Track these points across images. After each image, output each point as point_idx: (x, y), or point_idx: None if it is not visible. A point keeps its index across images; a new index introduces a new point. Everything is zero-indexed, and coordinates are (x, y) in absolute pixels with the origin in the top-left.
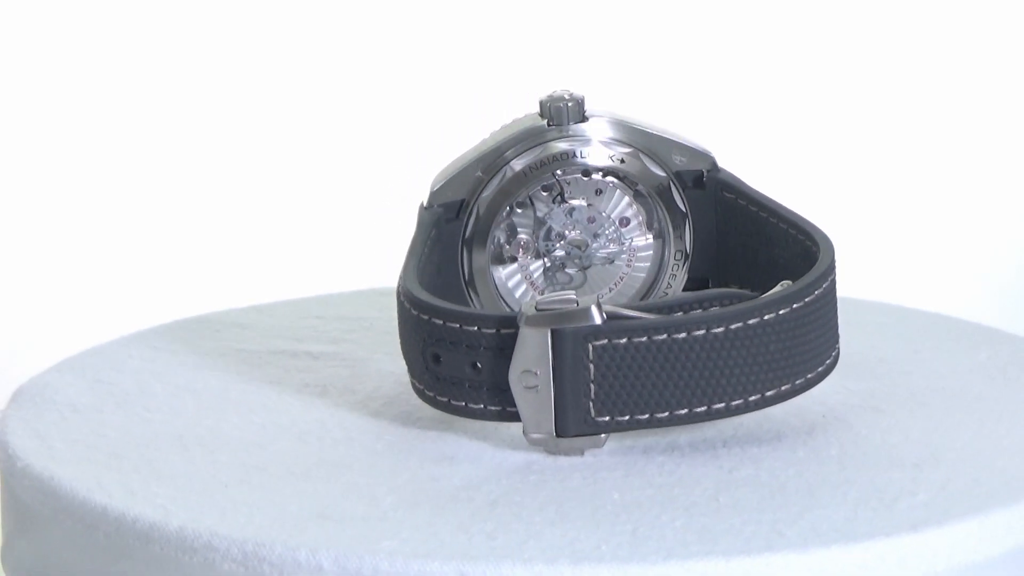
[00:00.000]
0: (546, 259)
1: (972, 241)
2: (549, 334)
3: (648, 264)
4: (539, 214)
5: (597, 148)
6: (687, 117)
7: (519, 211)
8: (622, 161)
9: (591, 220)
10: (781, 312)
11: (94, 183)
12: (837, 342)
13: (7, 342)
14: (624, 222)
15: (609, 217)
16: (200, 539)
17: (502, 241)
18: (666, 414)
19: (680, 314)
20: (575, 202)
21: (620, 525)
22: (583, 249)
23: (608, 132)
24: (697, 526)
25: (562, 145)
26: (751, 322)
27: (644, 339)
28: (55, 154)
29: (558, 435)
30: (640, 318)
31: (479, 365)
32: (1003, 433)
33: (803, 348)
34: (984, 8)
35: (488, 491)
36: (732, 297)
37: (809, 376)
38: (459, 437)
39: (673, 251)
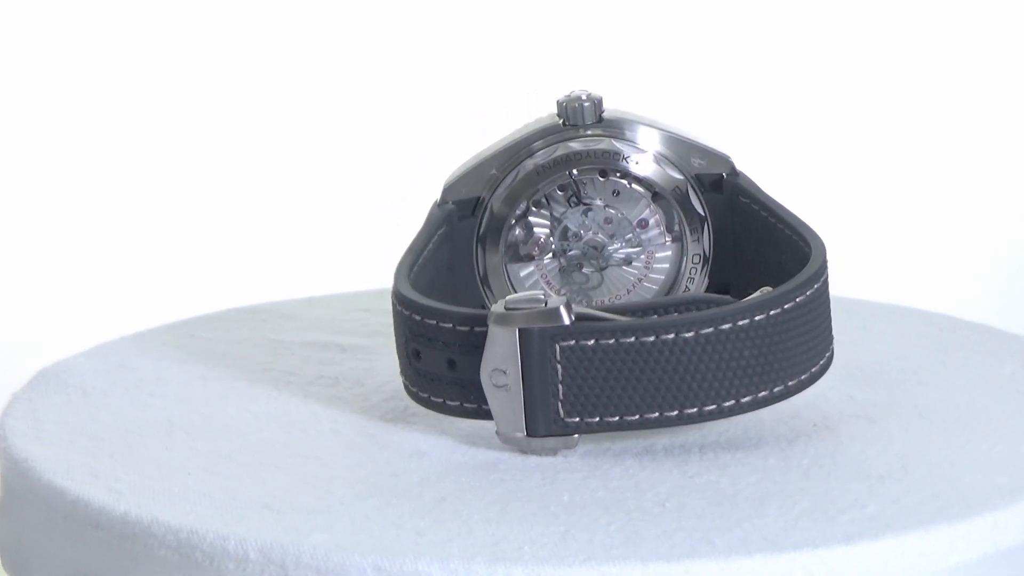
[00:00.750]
0: (562, 259)
1: (975, 241)
2: (517, 333)
3: (667, 267)
4: (556, 213)
5: (612, 149)
6: (701, 118)
7: (536, 210)
8: (637, 163)
9: (608, 221)
10: (756, 318)
11: (132, 176)
12: (828, 348)
13: (52, 326)
14: (642, 224)
15: (626, 218)
16: (140, 525)
17: (520, 240)
18: (636, 417)
19: (655, 317)
20: (591, 203)
21: (554, 527)
22: (599, 250)
23: (625, 133)
24: (629, 530)
25: (575, 145)
26: (723, 327)
27: (612, 341)
28: (100, 147)
29: (528, 435)
30: (609, 320)
31: (455, 362)
32: (986, 448)
33: (783, 355)
34: (984, 8)
35: (441, 488)
36: (709, 302)
37: (790, 383)
38: (439, 434)
39: (691, 255)
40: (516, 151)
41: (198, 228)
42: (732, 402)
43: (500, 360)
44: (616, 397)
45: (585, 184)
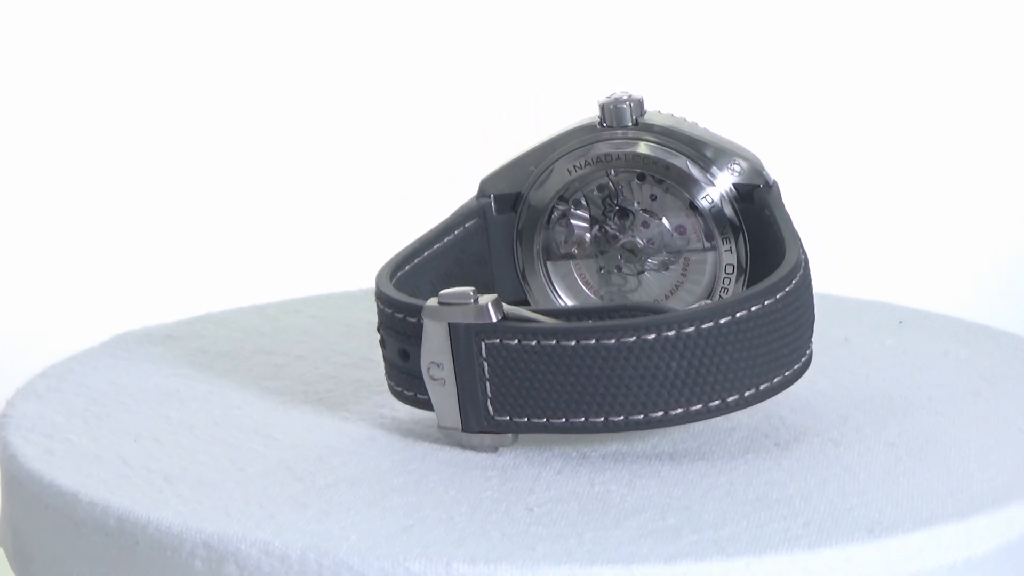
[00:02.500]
0: (600, 260)
1: (975, 241)
2: (447, 328)
3: (703, 275)
4: (594, 214)
5: (643, 152)
6: (701, 117)
7: (575, 210)
8: (667, 168)
9: (644, 225)
10: (686, 330)
11: (132, 176)
12: (789, 365)
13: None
14: (680, 230)
15: (663, 224)
16: (139, 524)
17: (559, 238)
18: (563, 420)
19: (589, 322)
20: (629, 206)
21: (403, 520)
22: (636, 254)
23: (658, 137)
24: (479, 530)
25: (606, 147)
26: (648, 337)
27: (534, 343)
28: (65, 155)
29: (463, 429)
30: (535, 321)
31: (407, 352)
32: (916, 480)
33: (723, 369)
34: (984, 8)
35: (342, 476)
36: (645, 310)
37: (730, 399)
38: (407, 425)
39: (723, 264)
40: (551, 149)
41: (199, 228)
42: (661, 413)
43: (435, 354)
44: (542, 399)
45: (622, 187)
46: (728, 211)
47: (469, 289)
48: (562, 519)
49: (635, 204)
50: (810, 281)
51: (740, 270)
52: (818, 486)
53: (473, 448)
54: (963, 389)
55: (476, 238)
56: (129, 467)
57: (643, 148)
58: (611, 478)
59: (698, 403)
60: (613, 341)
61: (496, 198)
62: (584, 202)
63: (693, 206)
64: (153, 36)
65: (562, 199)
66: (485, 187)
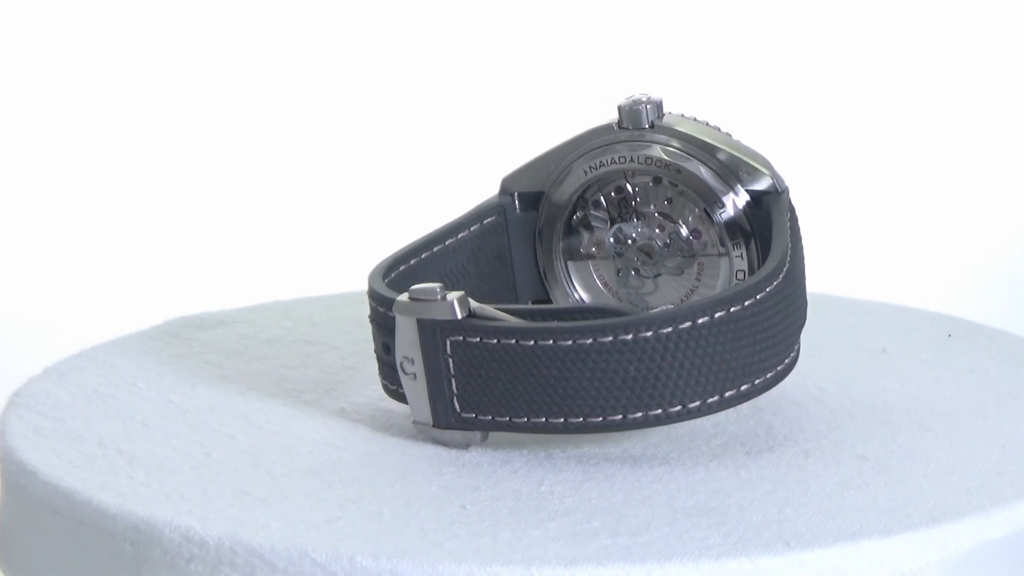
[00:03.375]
0: (618, 262)
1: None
2: (416, 323)
3: (717, 280)
4: (612, 215)
5: (656, 155)
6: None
7: (594, 211)
8: (679, 171)
9: (661, 228)
10: (643, 335)
11: (131, 177)
12: (756, 377)
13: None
14: (696, 234)
15: (678, 227)
16: (137, 523)
17: (580, 239)
18: (525, 420)
19: (553, 323)
20: (645, 209)
21: (334, 511)
22: (651, 256)
23: (673, 140)
24: (401, 526)
25: (620, 149)
26: (604, 340)
27: (495, 341)
28: (62, 154)
29: (434, 425)
30: (498, 320)
31: (388, 346)
32: (865, 494)
33: (677, 377)
34: (984, 8)
35: (300, 466)
36: (605, 312)
37: (692, 405)
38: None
39: (735, 269)
40: (571, 149)
41: (199, 228)
42: (619, 416)
43: (407, 348)
44: (504, 398)
45: (638, 189)
46: (740, 217)
47: (437, 285)
48: (489, 518)
49: (651, 207)
50: (794, 291)
51: (751, 276)
52: (762, 496)
53: (445, 444)
54: (970, 407)
55: (496, 235)
56: (102, 447)
57: (657, 151)
58: (562, 479)
59: (658, 408)
60: (570, 343)
61: (518, 196)
62: (603, 203)
63: (706, 211)
64: (160, 39)
65: (582, 200)
66: (507, 185)
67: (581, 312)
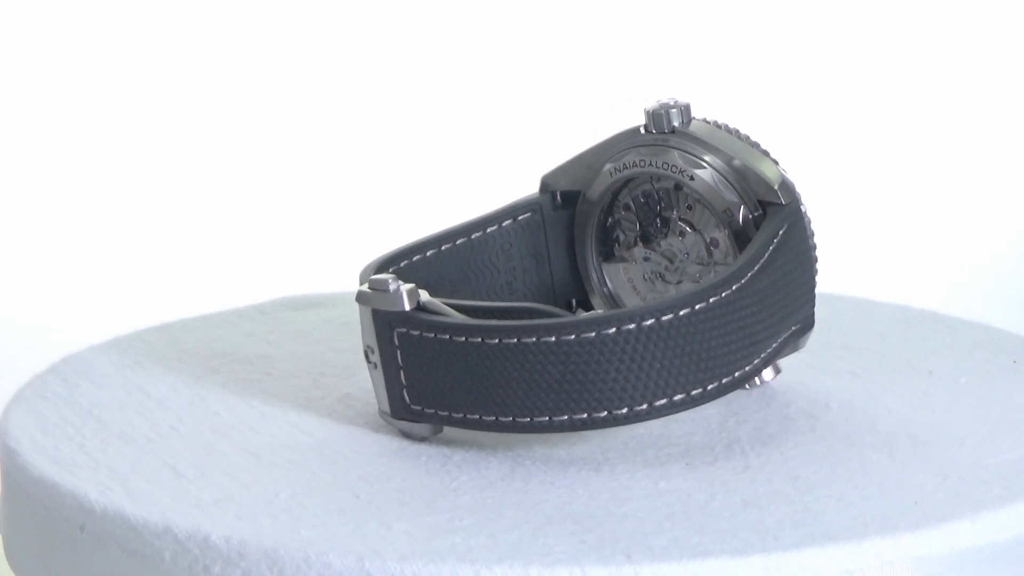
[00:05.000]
0: (646, 266)
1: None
2: (371, 313)
3: None
4: (639, 218)
5: (673, 160)
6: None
7: (625, 214)
8: (692, 178)
9: (682, 235)
10: (564, 338)
11: (131, 178)
12: (693, 388)
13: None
14: (714, 243)
15: (698, 235)
16: (134, 524)
17: (612, 240)
18: (462, 416)
19: (490, 321)
20: (668, 214)
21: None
22: (672, 262)
23: (690, 146)
24: (283, 509)
25: (642, 152)
26: (527, 340)
27: (432, 336)
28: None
29: (391, 415)
30: (444, 314)
31: None
32: (749, 513)
33: (601, 383)
34: (985, 8)
35: (249, 449)
36: (538, 312)
37: (619, 411)
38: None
39: None
40: (603, 150)
41: (199, 228)
42: (545, 418)
43: (368, 337)
44: (448, 393)
45: (660, 193)
46: (748, 226)
47: (390, 276)
48: (380, 508)
49: (673, 212)
50: (746, 305)
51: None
52: (650, 509)
53: (405, 434)
54: (953, 434)
55: (530, 232)
56: (103, 448)
57: (674, 156)
58: (531, 476)
59: (583, 412)
60: (496, 341)
61: (556, 195)
62: (632, 207)
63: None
64: (163, 40)
65: (615, 202)
66: (547, 182)
67: (517, 312)
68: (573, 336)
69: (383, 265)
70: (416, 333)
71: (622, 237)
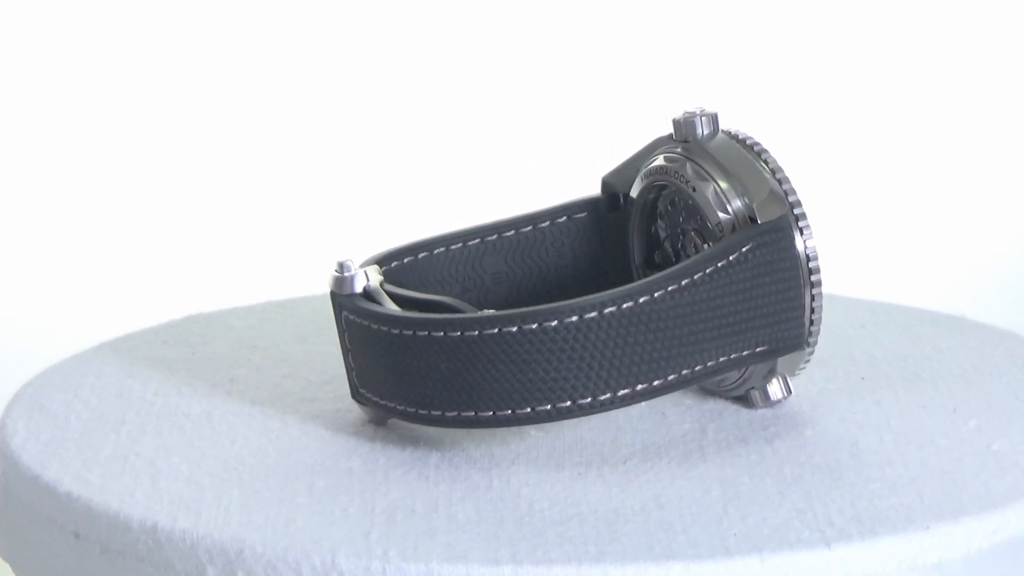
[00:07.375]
0: None
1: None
2: (331, 294)
3: None
4: (668, 224)
5: (685, 172)
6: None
7: (660, 221)
8: (695, 189)
9: (695, 247)
10: (468, 334)
11: (131, 179)
12: (623, 388)
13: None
14: None
15: (704, 246)
16: (132, 525)
17: (652, 245)
18: (394, 406)
19: (413, 314)
20: (687, 225)
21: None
22: None
23: (701, 156)
24: (250, 513)
25: (659, 160)
26: (436, 335)
27: (365, 323)
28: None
29: (352, 397)
30: (376, 304)
31: None
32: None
33: (546, 374)
34: (985, 8)
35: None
36: (447, 307)
37: (540, 408)
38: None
39: None
40: (645, 154)
41: (200, 229)
42: (472, 413)
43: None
44: (381, 382)
45: (680, 201)
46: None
47: (349, 260)
48: (320, 500)
49: (692, 223)
50: (691, 303)
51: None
52: (592, 510)
53: (367, 417)
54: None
55: (584, 231)
56: (102, 448)
57: (687, 168)
58: (491, 477)
59: (527, 406)
60: (410, 333)
61: (610, 196)
62: (664, 214)
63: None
64: (166, 42)
65: (655, 208)
66: (605, 182)
67: (436, 305)
68: (515, 328)
69: (410, 250)
70: (354, 318)
71: (658, 244)
